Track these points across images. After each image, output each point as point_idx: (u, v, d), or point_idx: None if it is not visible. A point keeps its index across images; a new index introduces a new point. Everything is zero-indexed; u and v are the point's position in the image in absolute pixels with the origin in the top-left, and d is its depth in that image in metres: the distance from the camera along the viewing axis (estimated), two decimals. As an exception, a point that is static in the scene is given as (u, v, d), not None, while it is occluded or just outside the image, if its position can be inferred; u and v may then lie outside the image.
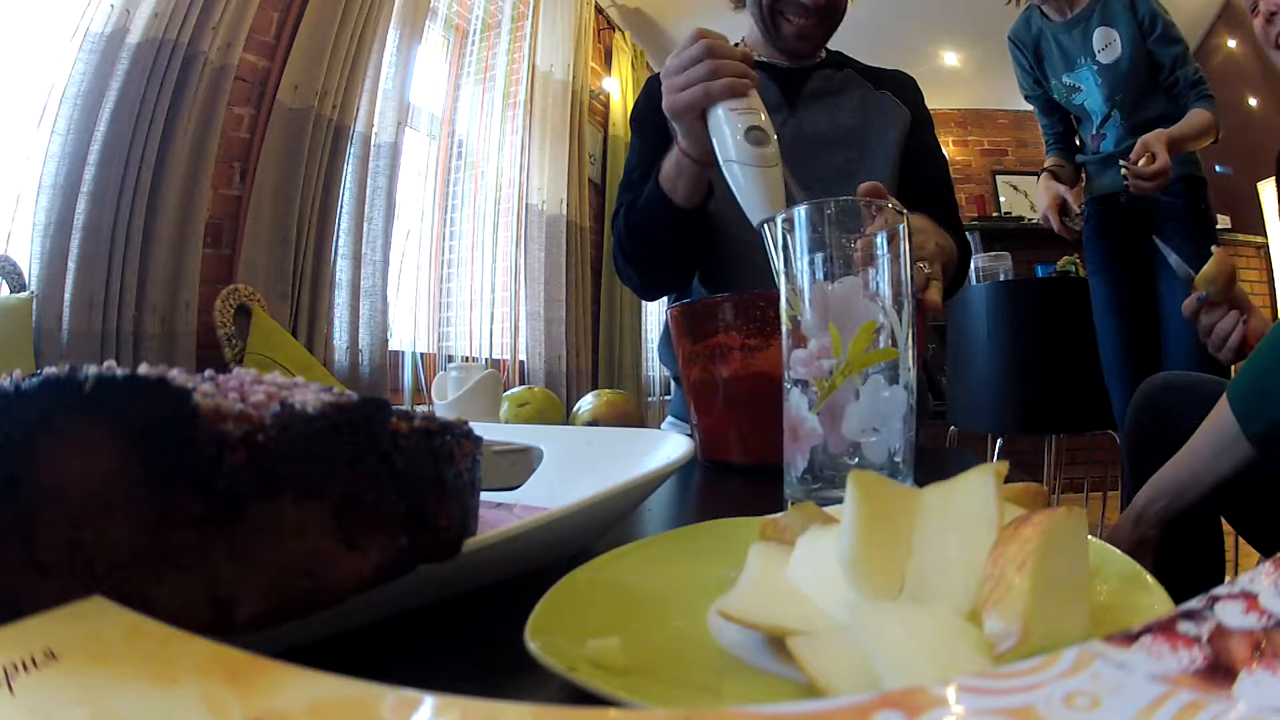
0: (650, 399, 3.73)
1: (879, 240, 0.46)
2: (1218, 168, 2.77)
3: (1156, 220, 1.70)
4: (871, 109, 1.04)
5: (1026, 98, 1.94)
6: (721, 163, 0.71)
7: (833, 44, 1.09)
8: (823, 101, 1.03)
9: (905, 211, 0.47)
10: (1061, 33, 1.75)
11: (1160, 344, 1.69)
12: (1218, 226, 1.96)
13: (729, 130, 0.70)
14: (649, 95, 1.07)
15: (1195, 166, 1.73)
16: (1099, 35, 1.70)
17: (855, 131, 1.02)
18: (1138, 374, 1.41)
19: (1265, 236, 3.66)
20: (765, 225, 0.70)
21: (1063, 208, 1.79)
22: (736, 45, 1.11)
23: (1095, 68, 1.71)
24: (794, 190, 0.79)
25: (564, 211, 3.06)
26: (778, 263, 0.68)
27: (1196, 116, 1.63)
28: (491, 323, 2.84)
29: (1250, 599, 0.16)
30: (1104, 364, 1.81)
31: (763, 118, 0.70)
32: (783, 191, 0.71)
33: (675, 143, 0.82)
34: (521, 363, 2.90)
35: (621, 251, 0.99)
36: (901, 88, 1.07)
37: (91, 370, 0.20)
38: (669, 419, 1.08)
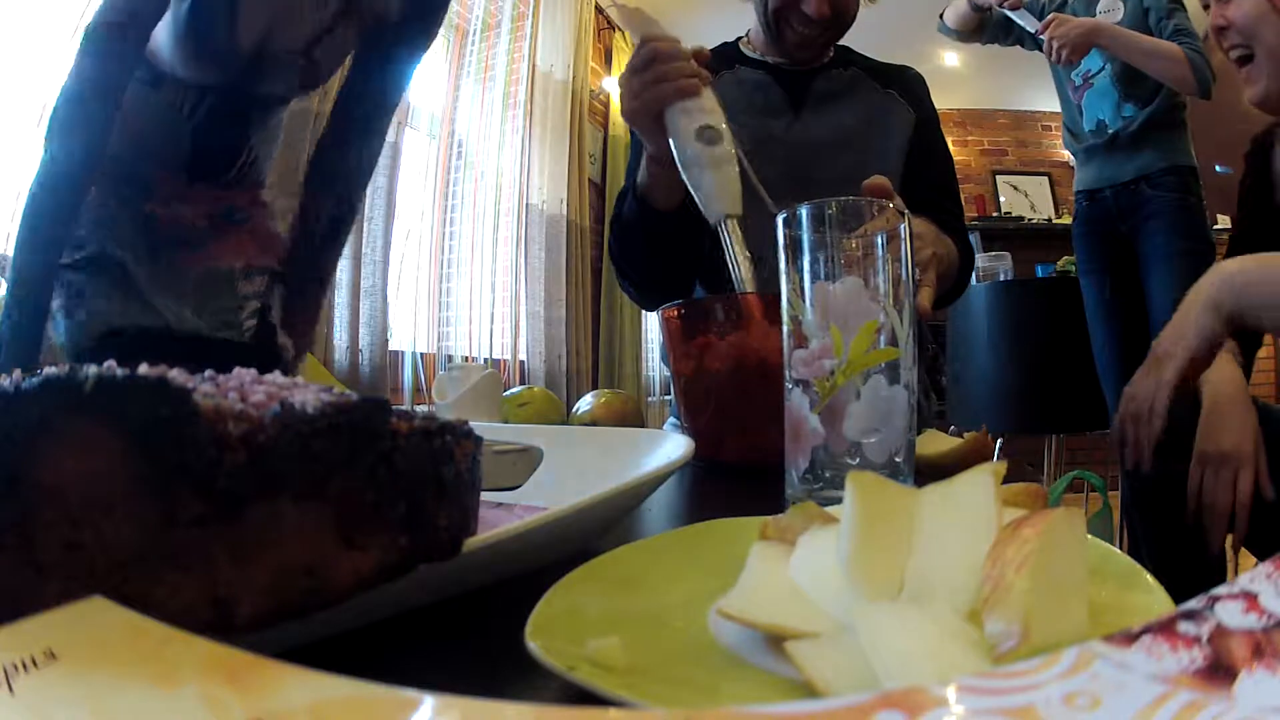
0: (650, 399, 3.72)
1: (879, 240, 0.46)
2: (1218, 167, 2.76)
3: (1144, 215, 1.68)
4: (876, 111, 1.03)
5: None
6: (679, 164, 0.72)
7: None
8: (828, 104, 1.03)
9: (906, 211, 0.47)
10: None
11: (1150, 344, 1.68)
12: (1217, 227, 1.94)
13: (680, 131, 0.71)
14: None
15: (1184, 155, 1.68)
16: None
17: (859, 135, 1.02)
18: (1129, 374, 1.38)
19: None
20: (722, 223, 0.71)
21: None
22: (737, 40, 1.11)
23: None
24: (764, 199, 0.80)
25: (564, 211, 3.05)
26: (737, 260, 0.69)
27: (1161, 42, 1.56)
28: (491, 323, 2.83)
29: (1250, 599, 0.16)
30: (1098, 365, 1.79)
31: (715, 116, 0.71)
32: (739, 189, 0.71)
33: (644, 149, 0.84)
34: (521, 363, 2.90)
35: (615, 263, 1.00)
36: (908, 85, 1.07)
37: (91, 370, 0.20)
38: (670, 420, 1.08)
